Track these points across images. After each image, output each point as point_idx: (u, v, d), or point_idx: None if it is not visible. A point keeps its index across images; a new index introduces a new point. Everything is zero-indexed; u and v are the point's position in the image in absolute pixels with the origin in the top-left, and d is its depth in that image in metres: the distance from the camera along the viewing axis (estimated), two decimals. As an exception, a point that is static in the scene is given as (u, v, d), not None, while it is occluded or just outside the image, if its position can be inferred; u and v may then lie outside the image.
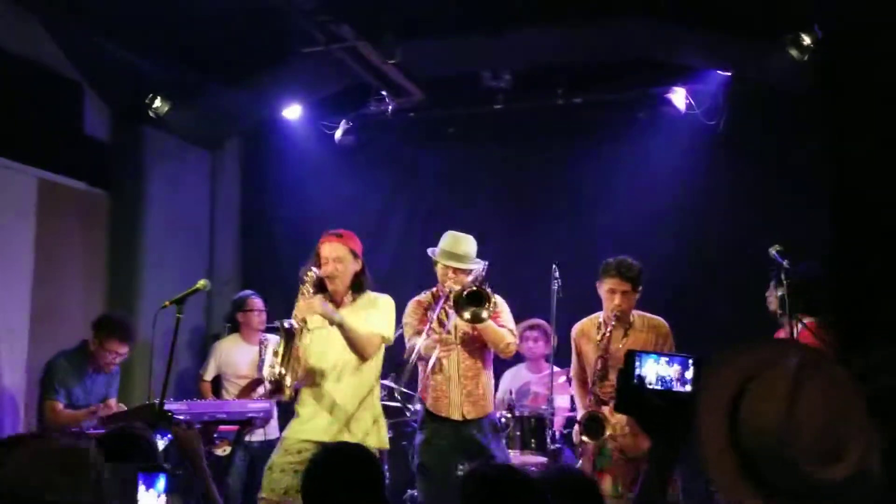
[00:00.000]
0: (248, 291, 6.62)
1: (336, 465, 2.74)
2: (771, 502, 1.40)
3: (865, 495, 1.40)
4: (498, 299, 4.89)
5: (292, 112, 7.41)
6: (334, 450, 2.93)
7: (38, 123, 6.05)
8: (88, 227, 6.57)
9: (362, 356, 4.44)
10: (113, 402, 5.63)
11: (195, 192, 7.51)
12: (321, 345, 4.47)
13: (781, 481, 1.40)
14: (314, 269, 4.43)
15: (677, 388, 1.74)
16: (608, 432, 4.59)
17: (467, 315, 4.66)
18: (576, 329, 4.98)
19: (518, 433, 5.56)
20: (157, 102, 6.49)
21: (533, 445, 5.53)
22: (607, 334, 4.71)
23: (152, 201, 6.88)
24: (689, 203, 6.64)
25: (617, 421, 4.60)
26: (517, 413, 5.64)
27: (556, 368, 5.77)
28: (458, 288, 4.72)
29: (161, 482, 2.15)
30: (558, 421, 5.87)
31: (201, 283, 4.83)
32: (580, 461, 4.93)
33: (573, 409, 6.11)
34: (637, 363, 1.76)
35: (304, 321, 4.29)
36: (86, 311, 6.11)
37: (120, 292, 6.67)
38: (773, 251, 4.44)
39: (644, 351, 1.76)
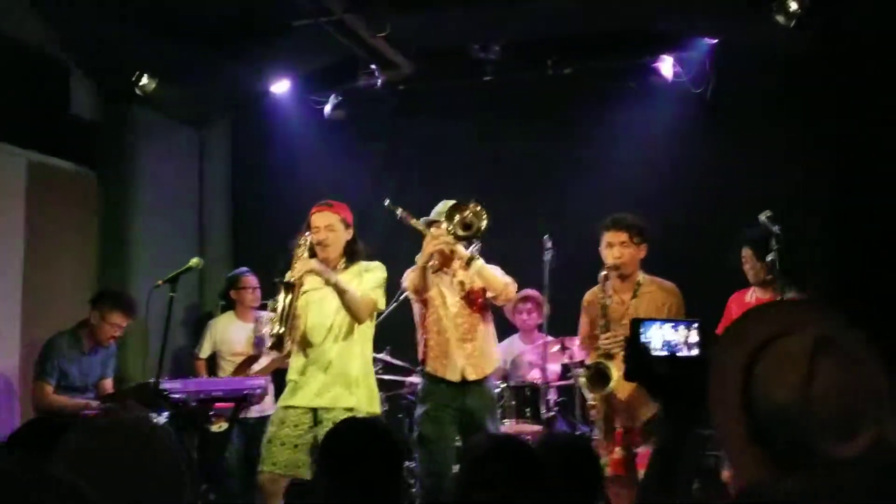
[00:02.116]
0: (241, 269, 6.63)
1: (356, 439, 2.75)
2: (780, 473, 1.39)
3: (879, 471, 1.38)
4: (491, 266, 4.92)
5: (281, 87, 7.37)
6: (352, 423, 2.96)
7: (26, 104, 6.02)
8: (78, 207, 6.55)
9: (357, 318, 4.50)
10: (110, 381, 5.64)
11: (184, 170, 7.49)
12: (315, 308, 4.53)
13: (793, 454, 1.39)
14: (307, 233, 4.50)
15: (684, 352, 1.74)
16: (612, 385, 4.38)
17: (460, 226, 4.72)
18: (585, 299, 4.87)
19: (513, 403, 5.62)
20: (144, 80, 6.44)
21: (528, 414, 5.60)
22: (608, 287, 4.61)
23: (141, 180, 6.85)
24: (680, 170, 6.66)
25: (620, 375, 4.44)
26: (511, 383, 5.70)
27: (548, 338, 5.81)
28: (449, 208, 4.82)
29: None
30: (552, 390, 5.91)
31: (194, 261, 4.83)
32: (593, 432, 4.82)
33: (564, 377, 6.18)
34: (642, 330, 1.76)
35: (301, 280, 4.34)
36: (77, 291, 6.11)
37: (111, 271, 6.66)
38: (763, 217, 4.44)
39: (648, 318, 1.76)
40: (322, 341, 4.51)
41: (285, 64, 7.14)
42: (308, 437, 4.42)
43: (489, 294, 4.96)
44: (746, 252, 4.95)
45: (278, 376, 5.33)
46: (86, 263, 6.54)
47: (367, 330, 4.64)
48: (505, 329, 6.14)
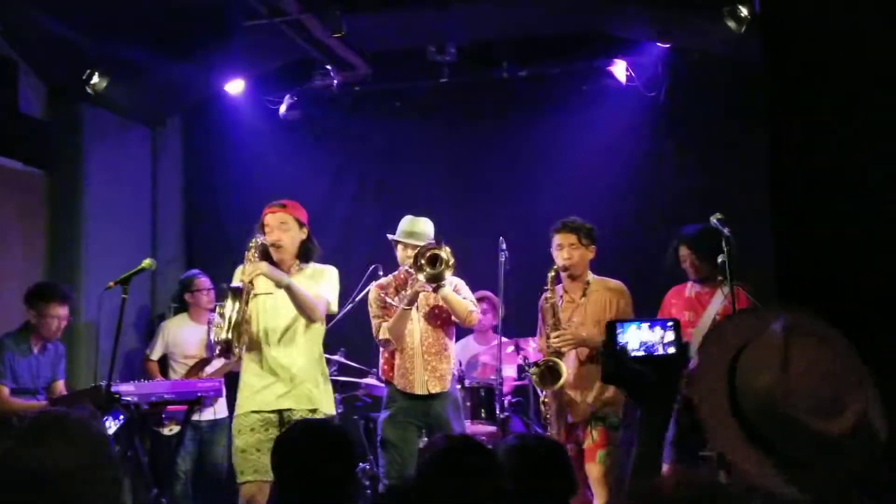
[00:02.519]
0: (194, 271, 6.57)
1: (309, 441, 2.74)
2: (775, 465, 1.42)
3: (868, 449, 1.42)
4: (456, 279, 4.95)
5: (235, 87, 7.31)
6: (306, 425, 2.94)
7: (-27, 102, 5.88)
8: (26, 207, 6.42)
9: (311, 318, 4.43)
10: (61, 383, 5.55)
11: (136, 171, 7.38)
12: (267, 310, 4.45)
13: (783, 442, 1.42)
14: (259, 236, 4.39)
15: (660, 351, 1.77)
16: (563, 380, 4.57)
17: (427, 276, 4.71)
18: (541, 301, 4.94)
19: (468, 404, 5.65)
20: (95, 78, 6.34)
21: (483, 415, 5.64)
22: (558, 288, 4.82)
23: (92, 180, 6.73)
24: (633, 172, 6.76)
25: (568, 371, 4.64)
26: (467, 384, 5.72)
27: (503, 339, 5.83)
28: (415, 253, 4.80)
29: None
30: (506, 390, 5.94)
31: (146, 262, 4.77)
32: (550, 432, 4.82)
33: (519, 378, 6.22)
34: (619, 331, 1.78)
35: (251, 283, 4.25)
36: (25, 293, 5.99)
37: (60, 273, 6.52)
38: (714, 219, 4.52)
39: (625, 320, 1.78)
40: (277, 344, 4.44)
41: (239, 64, 7.08)
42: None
43: (453, 318, 5.03)
44: (685, 251, 5.03)
45: (231, 379, 5.27)
46: (34, 264, 6.41)
47: (320, 329, 4.59)
48: (460, 329, 6.16)
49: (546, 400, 4.72)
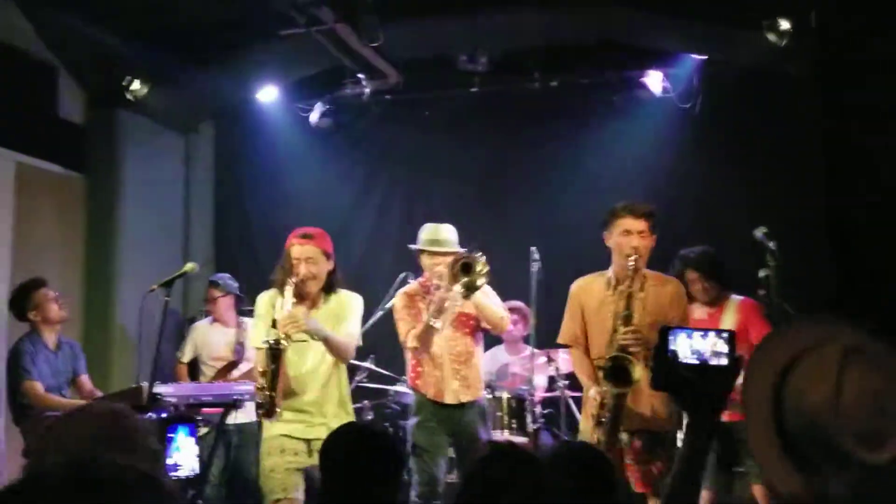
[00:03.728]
0: (212, 277, 6.51)
1: (356, 443, 2.76)
2: (812, 480, 1.42)
3: None
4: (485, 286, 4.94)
5: (267, 94, 7.38)
6: (353, 428, 2.97)
7: (15, 107, 5.99)
8: (65, 210, 6.54)
9: (343, 360, 4.45)
10: (86, 378, 5.59)
11: (170, 175, 7.49)
12: (300, 353, 4.41)
13: (825, 463, 1.41)
14: (292, 279, 4.29)
15: (712, 361, 1.75)
16: (637, 376, 3.90)
17: (463, 285, 4.63)
18: (576, 285, 4.45)
19: (498, 414, 5.62)
20: (135, 85, 6.45)
21: (513, 426, 5.60)
22: (633, 275, 4.10)
23: (127, 184, 6.85)
24: (665, 185, 6.71)
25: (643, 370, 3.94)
26: (497, 394, 5.70)
27: (535, 349, 5.85)
28: (450, 262, 4.74)
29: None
30: (536, 401, 5.94)
31: (189, 266, 4.82)
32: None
33: (550, 389, 6.21)
34: (671, 338, 1.76)
35: (289, 337, 4.18)
36: (64, 293, 6.06)
37: (96, 274, 6.65)
38: (758, 233, 4.47)
39: (678, 326, 1.77)
40: (309, 384, 4.43)
41: (273, 72, 7.16)
42: (304, 464, 4.37)
43: (483, 325, 5.00)
44: (692, 274, 4.99)
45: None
46: (72, 266, 6.52)
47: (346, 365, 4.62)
48: (489, 339, 6.18)
49: (605, 400, 4.03)
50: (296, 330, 4.15)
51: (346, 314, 4.44)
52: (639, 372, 3.88)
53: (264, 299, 4.45)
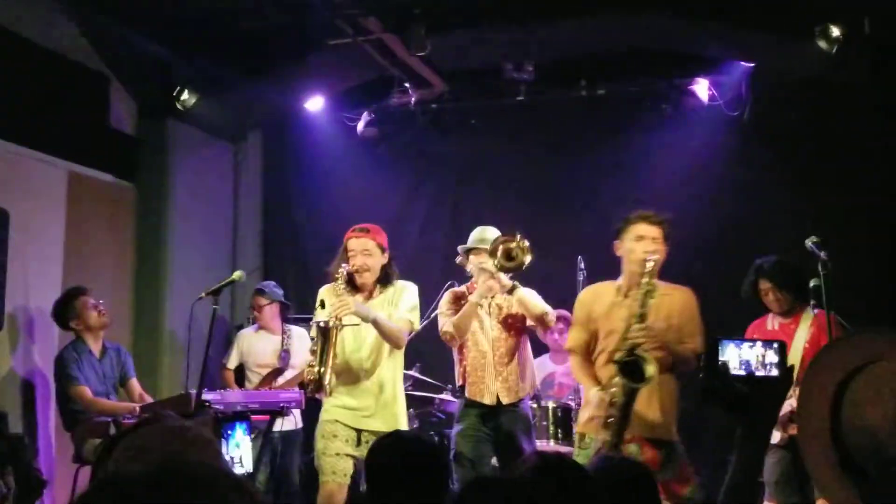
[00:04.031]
0: (259, 285, 6.57)
1: (404, 454, 2.77)
2: (868, 495, 1.39)
3: None
4: (528, 290, 4.95)
5: (314, 104, 7.44)
6: (399, 437, 2.97)
7: (67, 117, 6.11)
8: (116, 218, 6.65)
9: (395, 345, 4.59)
10: (135, 381, 5.67)
11: (218, 184, 7.59)
12: (353, 340, 4.58)
13: (883, 479, 1.38)
14: (344, 265, 4.50)
15: (760, 372, 1.73)
16: (650, 373, 3.83)
17: (504, 262, 4.70)
18: (584, 292, 4.48)
19: (544, 423, 5.61)
20: (185, 95, 6.54)
21: (559, 436, 5.59)
22: (651, 274, 4.03)
23: (177, 193, 6.95)
24: (713, 194, 6.64)
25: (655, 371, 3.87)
26: (543, 403, 5.68)
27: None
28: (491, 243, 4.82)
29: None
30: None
31: (237, 274, 4.88)
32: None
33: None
34: (721, 347, 1.75)
35: (339, 319, 4.35)
36: (115, 302, 6.18)
37: (146, 281, 6.75)
38: (809, 242, 4.39)
39: (727, 336, 1.75)
40: (363, 371, 4.59)
41: (320, 82, 7.22)
42: (353, 454, 4.49)
43: (529, 322, 5.02)
44: (766, 284, 4.93)
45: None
46: (123, 274, 6.63)
47: (399, 352, 4.73)
48: (536, 348, 6.15)
49: (615, 399, 3.95)
50: (345, 311, 4.33)
51: (398, 301, 4.62)
52: (652, 369, 3.84)
53: (323, 291, 4.64)
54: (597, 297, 4.37)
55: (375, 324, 4.45)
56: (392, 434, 3.05)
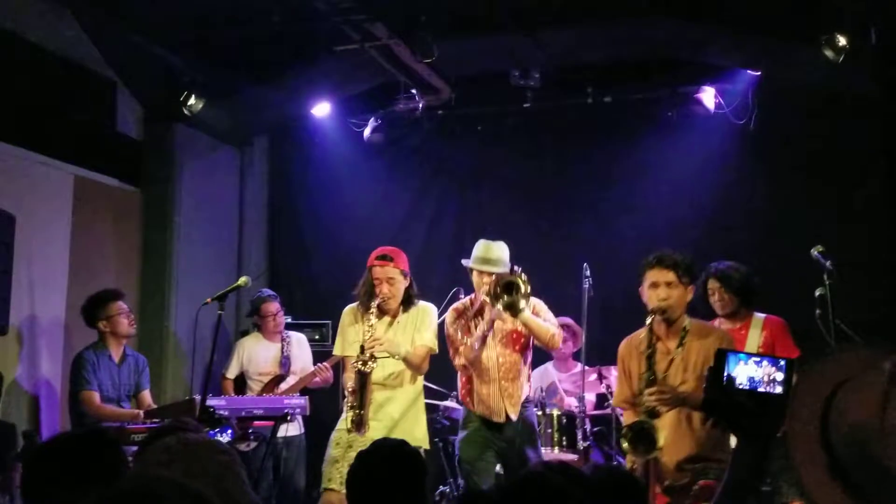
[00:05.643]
0: (264, 293, 6.50)
1: (378, 460, 2.80)
2: (858, 501, 1.39)
3: None
4: (536, 300, 4.93)
5: (321, 109, 7.45)
6: (377, 447, 2.98)
7: (73, 121, 6.13)
8: (122, 223, 6.66)
9: (419, 372, 4.87)
10: (147, 393, 5.65)
11: (224, 189, 7.59)
12: (377, 368, 4.75)
13: (872, 487, 1.39)
14: (375, 301, 4.72)
15: (767, 389, 1.73)
16: (657, 451, 3.73)
17: (504, 304, 4.70)
18: (622, 345, 4.22)
19: (549, 431, 5.61)
20: (192, 100, 6.54)
21: (564, 443, 5.59)
22: (647, 334, 3.94)
23: (183, 198, 6.95)
24: (719, 202, 6.64)
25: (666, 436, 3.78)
26: (548, 411, 5.67)
27: (585, 367, 5.81)
28: (492, 283, 4.82)
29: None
30: (588, 419, 5.89)
31: (242, 280, 4.88)
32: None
33: (601, 406, 6.15)
34: (728, 361, 1.75)
35: (373, 357, 4.58)
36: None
37: (151, 286, 6.75)
38: (815, 251, 4.39)
39: (734, 350, 1.75)
40: (386, 390, 4.81)
41: (327, 87, 7.23)
42: None
43: (536, 342, 5.02)
44: (714, 284, 4.94)
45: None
46: (129, 278, 6.62)
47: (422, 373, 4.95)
48: (538, 356, 6.15)
49: (634, 466, 3.83)
50: (378, 350, 4.61)
51: (421, 325, 4.88)
52: (663, 438, 3.71)
53: (346, 313, 4.96)
54: (630, 350, 4.14)
55: (405, 359, 4.73)
56: (375, 443, 3.05)
